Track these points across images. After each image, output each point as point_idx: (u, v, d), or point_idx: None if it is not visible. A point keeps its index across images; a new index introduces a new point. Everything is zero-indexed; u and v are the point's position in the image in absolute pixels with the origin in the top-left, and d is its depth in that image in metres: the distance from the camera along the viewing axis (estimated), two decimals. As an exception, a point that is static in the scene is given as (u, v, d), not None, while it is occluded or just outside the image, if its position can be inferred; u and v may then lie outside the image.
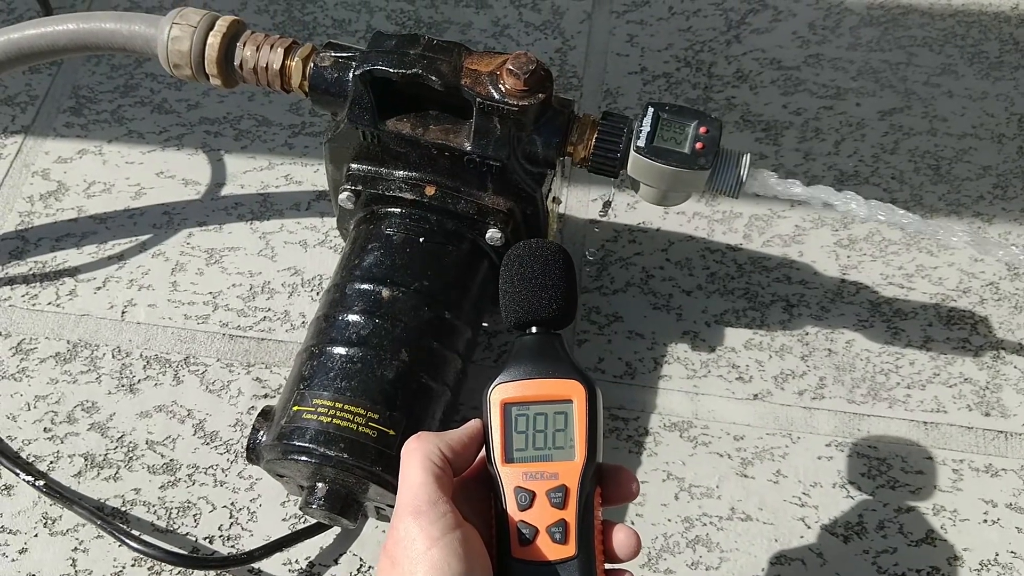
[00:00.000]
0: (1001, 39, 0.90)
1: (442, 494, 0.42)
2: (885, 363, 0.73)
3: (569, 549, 0.43)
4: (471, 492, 0.45)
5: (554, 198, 0.68)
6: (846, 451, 0.69)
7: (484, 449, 0.45)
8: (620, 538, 0.44)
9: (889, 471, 0.69)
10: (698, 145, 0.56)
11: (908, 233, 0.79)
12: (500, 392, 0.45)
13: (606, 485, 0.45)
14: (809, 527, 0.66)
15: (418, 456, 0.43)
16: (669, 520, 0.67)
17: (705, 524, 0.66)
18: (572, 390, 0.44)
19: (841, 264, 0.77)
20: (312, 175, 0.81)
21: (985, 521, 0.67)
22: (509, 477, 0.44)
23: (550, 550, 0.43)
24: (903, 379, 0.72)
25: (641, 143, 0.56)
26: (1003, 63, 0.89)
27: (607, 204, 0.64)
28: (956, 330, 0.74)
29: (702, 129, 0.56)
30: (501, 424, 0.44)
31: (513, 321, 0.47)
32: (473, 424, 0.46)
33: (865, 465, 0.69)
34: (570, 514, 0.43)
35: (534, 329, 0.47)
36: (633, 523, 0.66)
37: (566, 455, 0.44)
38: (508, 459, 0.44)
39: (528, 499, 0.43)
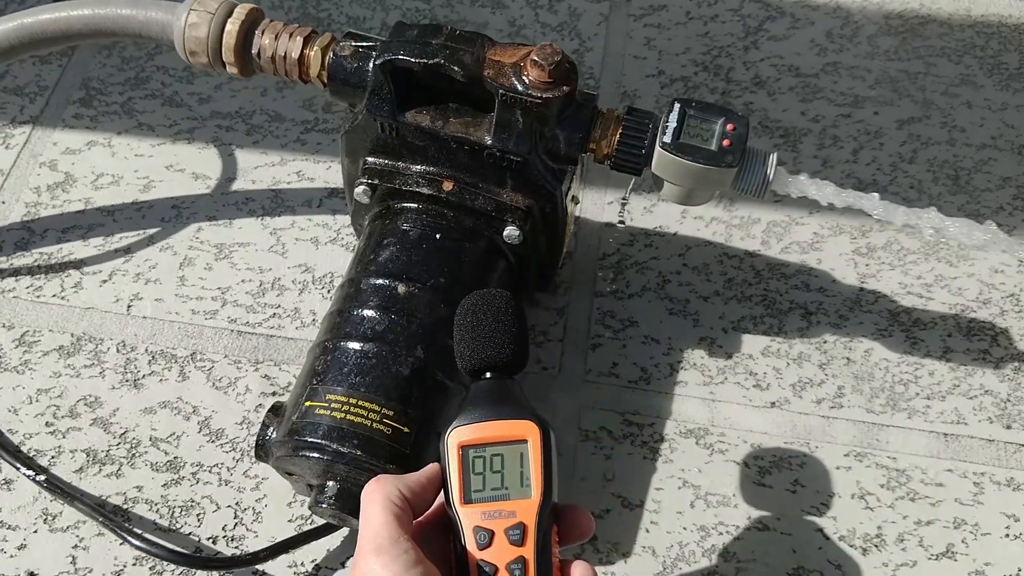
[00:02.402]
0: (1021, 51, 0.89)
1: (403, 532, 0.43)
2: (904, 373, 0.72)
3: None
4: (430, 536, 0.46)
5: (573, 197, 0.67)
6: (865, 461, 0.68)
7: (443, 491, 0.46)
8: (578, 574, 0.45)
9: (909, 483, 0.67)
10: (725, 142, 0.55)
11: (928, 242, 0.78)
12: (456, 435, 0.45)
13: (562, 524, 0.46)
14: (827, 538, 0.65)
15: (378, 496, 0.44)
16: (684, 528, 0.65)
17: (721, 533, 0.65)
18: (527, 430, 0.45)
19: (860, 272, 0.76)
20: (324, 172, 0.80)
21: (1007, 536, 0.65)
22: (468, 517, 0.44)
23: None
24: (922, 390, 0.71)
25: (667, 139, 0.55)
26: (1023, 74, 0.88)
27: (623, 205, 0.63)
28: (976, 341, 0.73)
29: (729, 126, 0.55)
30: (459, 466, 0.45)
31: (468, 367, 0.48)
32: (432, 467, 0.47)
33: (884, 476, 0.67)
34: (528, 551, 0.44)
35: (488, 375, 0.48)
36: (648, 531, 0.65)
37: (523, 493, 0.45)
38: (466, 500, 0.45)
39: (487, 538, 0.44)
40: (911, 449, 0.69)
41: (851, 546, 0.65)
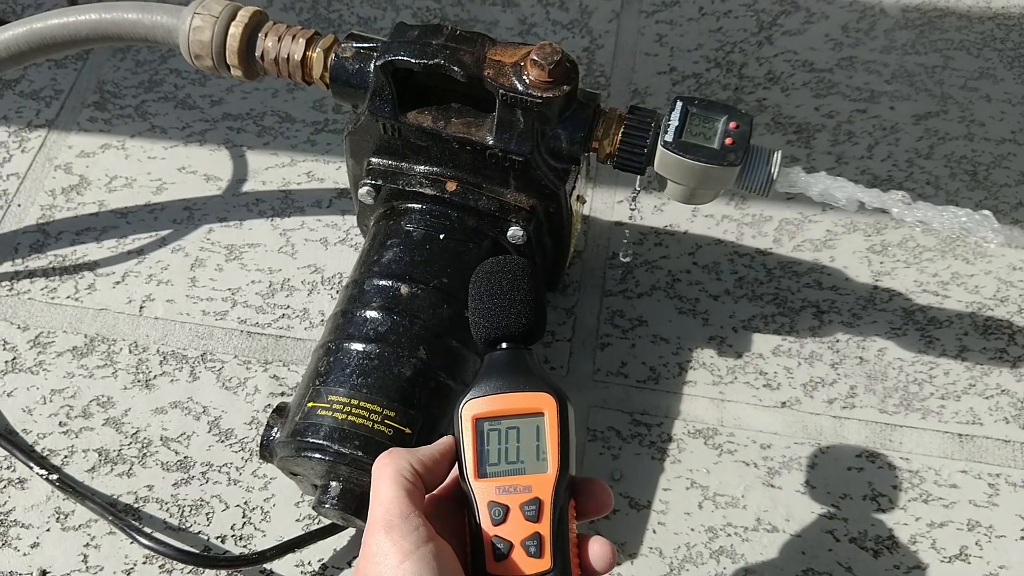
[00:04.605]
0: (1042, 43, 0.88)
1: (414, 508, 0.41)
2: (918, 372, 0.71)
3: (544, 563, 0.42)
4: (444, 511, 0.44)
5: (578, 196, 0.66)
6: (877, 462, 0.67)
7: (457, 465, 0.44)
8: (595, 550, 0.44)
9: (922, 484, 0.66)
10: (728, 140, 0.54)
11: (942, 238, 0.77)
12: (471, 407, 0.44)
13: (580, 498, 0.45)
14: (838, 540, 0.64)
15: (389, 471, 0.42)
16: (692, 530, 0.64)
17: (730, 535, 0.64)
18: (543, 402, 0.44)
19: (874, 270, 0.75)
20: (334, 172, 0.80)
21: (1022, 538, 0.64)
22: (482, 492, 0.43)
23: (525, 564, 0.42)
24: (937, 389, 0.70)
25: (669, 138, 0.54)
26: (1044, 67, 0.86)
27: (634, 199, 0.62)
28: (993, 340, 0.72)
29: (732, 124, 0.54)
30: (473, 439, 0.43)
31: (483, 337, 0.46)
32: (445, 440, 0.45)
33: (897, 477, 0.66)
34: (544, 527, 0.42)
35: (504, 345, 0.46)
36: (655, 532, 0.64)
37: (539, 468, 0.43)
38: (481, 474, 0.43)
39: (502, 513, 0.42)
40: (925, 450, 0.68)
41: (862, 548, 0.64)
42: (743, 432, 0.68)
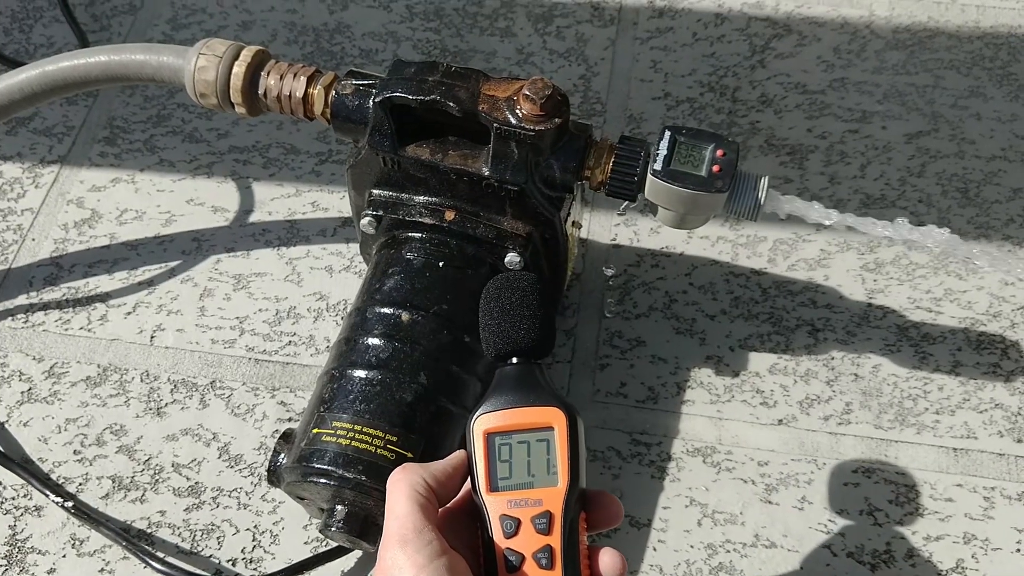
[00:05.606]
0: (1031, 61, 0.89)
1: (428, 523, 0.42)
2: (913, 388, 0.72)
3: (555, 574, 0.43)
4: (457, 523, 0.46)
5: (574, 222, 0.68)
6: (873, 477, 0.68)
7: (469, 479, 0.46)
8: (606, 561, 0.45)
9: (918, 498, 0.67)
10: (715, 168, 0.56)
11: (935, 255, 0.78)
12: (483, 422, 0.45)
13: (591, 510, 0.46)
14: (835, 555, 0.65)
15: (403, 486, 0.44)
16: (692, 547, 0.66)
17: (728, 551, 0.66)
18: (553, 417, 0.45)
19: (867, 288, 0.77)
20: (338, 202, 0.82)
21: (1018, 551, 0.65)
22: (494, 506, 0.44)
23: None
24: (932, 404, 0.71)
25: (658, 166, 0.56)
26: (1033, 85, 0.88)
27: (625, 209, 0.64)
28: (986, 355, 0.73)
29: (719, 152, 0.56)
30: (485, 454, 0.45)
31: (494, 352, 0.47)
32: (458, 455, 0.46)
33: (893, 492, 0.68)
34: (555, 539, 0.43)
35: (514, 360, 0.47)
36: (655, 549, 0.66)
37: (549, 481, 0.44)
38: (493, 488, 0.45)
39: (513, 526, 0.44)
40: (920, 464, 0.69)
41: (859, 562, 0.65)
42: (741, 450, 0.70)
